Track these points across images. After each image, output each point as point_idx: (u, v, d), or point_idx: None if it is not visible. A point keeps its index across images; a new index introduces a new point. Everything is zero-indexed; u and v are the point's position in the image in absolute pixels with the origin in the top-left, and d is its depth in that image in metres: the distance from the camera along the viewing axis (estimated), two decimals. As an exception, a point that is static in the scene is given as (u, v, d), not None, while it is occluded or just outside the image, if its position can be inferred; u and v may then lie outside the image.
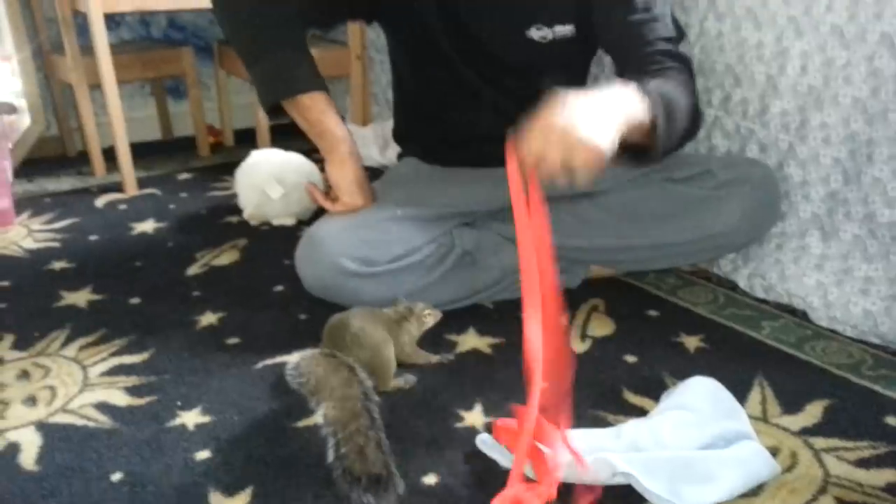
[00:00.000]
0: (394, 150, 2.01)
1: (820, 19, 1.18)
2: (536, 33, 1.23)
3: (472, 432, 0.92)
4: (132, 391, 1.02)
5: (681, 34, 1.25)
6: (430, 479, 0.85)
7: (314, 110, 1.19)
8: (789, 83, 1.22)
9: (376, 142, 2.09)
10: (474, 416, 0.97)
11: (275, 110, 1.21)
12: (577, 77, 1.38)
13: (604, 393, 1.02)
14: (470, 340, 1.16)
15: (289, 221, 1.64)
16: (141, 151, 2.06)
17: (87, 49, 1.83)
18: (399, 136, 1.51)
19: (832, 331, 1.17)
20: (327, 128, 1.19)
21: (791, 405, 0.98)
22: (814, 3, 1.18)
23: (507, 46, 1.25)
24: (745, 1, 1.27)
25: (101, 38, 1.71)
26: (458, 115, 1.35)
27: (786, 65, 1.22)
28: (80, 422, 0.96)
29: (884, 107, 1.10)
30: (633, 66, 1.12)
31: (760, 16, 1.25)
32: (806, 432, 0.93)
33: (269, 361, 1.09)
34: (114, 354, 1.12)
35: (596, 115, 0.88)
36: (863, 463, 0.87)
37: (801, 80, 1.21)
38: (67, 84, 1.97)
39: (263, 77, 1.20)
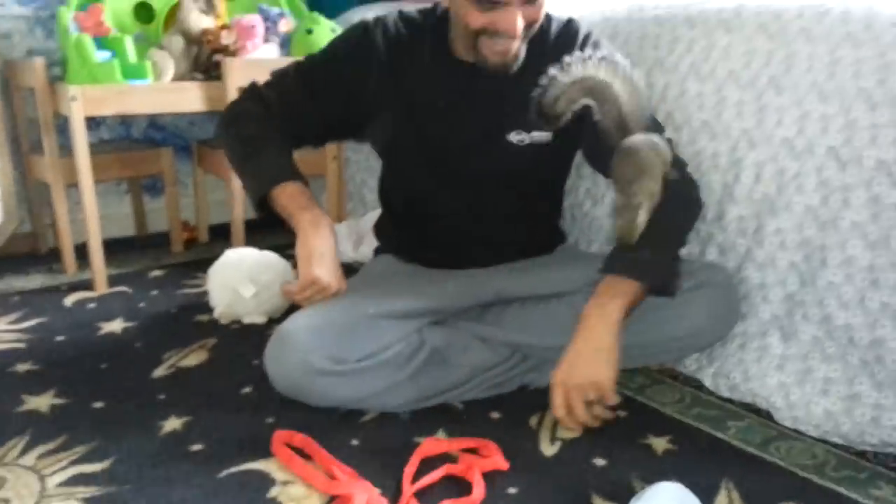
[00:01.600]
0: (368, 246, 2.05)
1: (771, 132, 1.25)
2: (515, 137, 1.28)
3: (439, 543, 0.91)
4: (91, 503, 1.00)
5: (660, 129, 1.31)
6: None
7: (285, 196, 1.25)
8: (744, 191, 1.28)
9: (350, 238, 2.12)
10: (441, 526, 0.95)
11: (262, 207, 1.29)
12: (556, 179, 1.43)
13: (573, 498, 1.01)
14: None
15: (260, 320, 1.64)
16: (114, 248, 2.07)
17: (66, 148, 1.86)
18: (379, 230, 1.54)
19: (796, 431, 1.18)
20: (296, 208, 1.24)
21: (758, 509, 0.98)
22: (765, 116, 1.26)
23: (487, 150, 1.30)
24: (701, 114, 1.35)
25: (81, 140, 1.75)
26: (436, 219, 1.39)
27: (740, 174, 1.28)
28: (33, 536, 0.93)
29: (834, 215, 1.16)
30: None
31: (715, 128, 1.32)
32: (774, 538, 0.92)
33: (234, 469, 1.07)
34: (74, 463, 1.09)
35: (597, 356, 1.11)
36: (829, 570, 0.87)
37: (756, 188, 1.26)
38: (44, 182, 2.00)
39: (249, 178, 1.31)
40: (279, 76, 1.36)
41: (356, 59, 1.30)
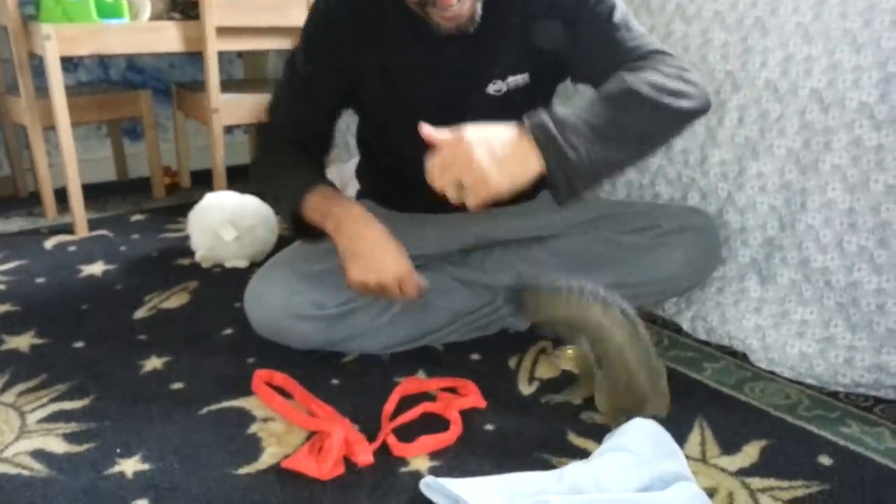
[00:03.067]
0: (352, 190, 2.03)
1: (755, 74, 1.24)
2: (492, 88, 1.26)
3: (417, 477, 0.92)
4: (71, 438, 1.00)
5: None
6: (372, 525, 0.85)
7: (313, 202, 1.15)
8: (727, 134, 1.27)
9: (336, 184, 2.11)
10: (419, 461, 0.97)
11: (301, 230, 1.19)
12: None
13: (549, 435, 1.03)
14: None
15: (241, 264, 1.64)
16: (95, 192, 2.05)
17: (43, 90, 1.83)
18: (360, 175, 1.53)
19: (771, 372, 1.20)
20: (329, 210, 1.14)
21: (729, 446, 1.00)
22: (749, 59, 1.24)
23: (466, 106, 1.28)
24: (686, 56, 1.33)
25: (56, 80, 1.71)
26: (415, 169, 1.37)
27: (724, 117, 1.28)
28: (13, 470, 0.94)
29: (815, 157, 1.16)
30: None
31: (700, 69, 1.31)
32: (743, 473, 0.94)
33: (214, 407, 1.08)
34: (54, 400, 1.09)
35: (496, 154, 0.96)
36: (796, 502, 0.89)
37: (739, 131, 1.26)
38: (21, 125, 1.96)
39: (280, 205, 1.25)
40: (274, 97, 1.34)
41: (330, 42, 1.27)
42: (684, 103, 1.02)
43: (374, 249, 1.12)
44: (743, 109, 1.25)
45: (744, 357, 1.24)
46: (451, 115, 1.30)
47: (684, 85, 1.03)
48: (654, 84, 1.00)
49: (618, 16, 1.13)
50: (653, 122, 1.02)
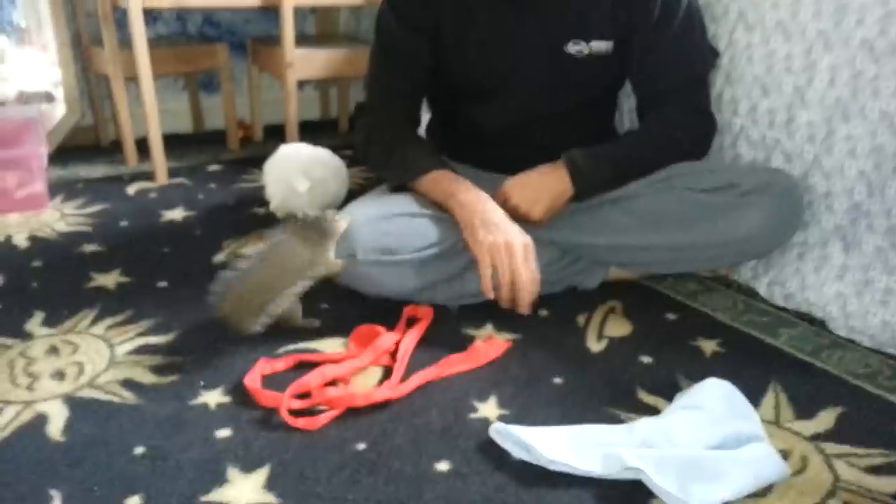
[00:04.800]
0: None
1: (850, 33, 1.18)
2: (573, 48, 1.25)
3: (486, 423, 0.94)
4: (156, 370, 1.05)
5: (714, 55, 1.30)
6: (443, 466, 0.87)
7: (437, 184, 1.24)
8: (817, 95, 1.22)
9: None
10: (489, 408, 0.98)
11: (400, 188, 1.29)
12: (615, 87, 1.40)
13: (618, 391, 1.03)
14: (488, 334, 1.18)
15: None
16: (172, 143, 2.11)
17: (125, 43, 1.88)
18: (431, 133, 1.53)
19: (850, 340, 1.16)
20: (452, 190, 1.22)
21: (804, 411, 0.98)
22: (844, 17, 1.19)
23: (545, 63, 1.28)
24: (776, 14, 1.28)
25: (139, 33, 1.76)
26: (491, 124, 1.38)
27: (814, 77, 1.23)
28: (105, 397, 0.99)
29: (910, 120, 1.11)
30: (645, 102, 1.35)
31: (790, 28, 1.26)
32: (818, 438, 0.93)
33: (291, 347, 1.12)
34: (140, 335, 1.15)
35: (543, 195, 1.25)
36: (873, 470, 0.87)
37: (829, 93, 1.21)
38: (104, 75, 2.02)
39: (392, 171, 1.31)
40: (370, 71, 1.39)
41: (409, 10, 1.30)
42: (693, 153, 1.32)
43: (503, 221, 1.17)
44: (835, 69, 1.20)
45: (821, 324, 1.21)
46: (532, 71, 1.29)
47: (697, 143, 1.32)
48: (670, 145, 1.30)
49: (682, 17, 1.25)
50: (662, 165, 1.29)
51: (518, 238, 1.14)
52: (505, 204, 1.25)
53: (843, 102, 1.19)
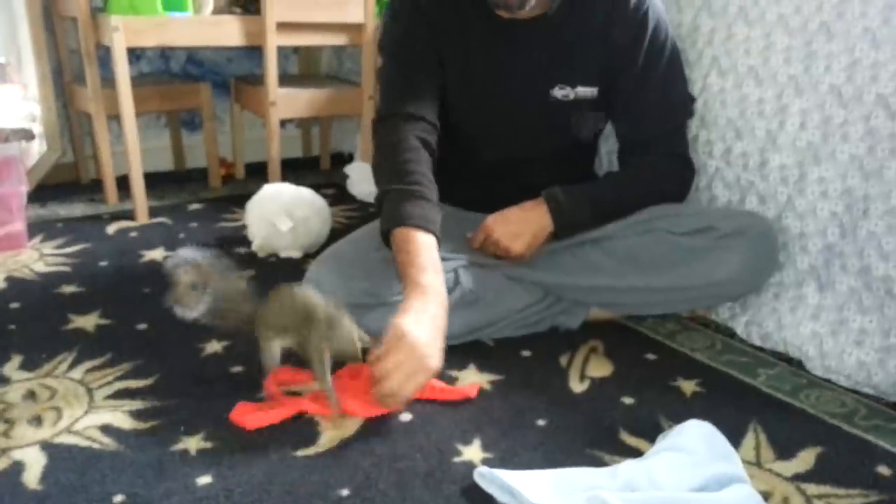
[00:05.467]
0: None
1: (819, 79, 1.22)
2: (559, 92, 1.29)
3: (471, 466, 0.94)
4: (136, 415, 1.04)
5: (691, 101, 1.38)
6: (427, 512, 0.86)
7: (405, 248, 1.11)
8: (788, 139, 1.26)
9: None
10: (473, 451, 0.98)
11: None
12: (599, 130, 1.42)
13: (601, 433, 1.03)
14: (470, 376, 1.18)
15: (296, 254, 1.67)
16: (153, 181, 2.10)
17: (108, 80, 1.89)
18: None
19: (827, 380, 1.18)
20: (409, 271, 1.09)
21: (784, 451, 0.99)
22: (813, 63, 1.23)
23: (531, 107, 1.31)
24: (748, 60, 1.32)
25: (123, 70, 1.77)
26: (474, 164, 1.40)
27: (785, 121, 1.27)
28: (84, 443, 0.98)
29: (879, 164, 1.14)
30: (627, 147, 1.39)
31: (762, 74, 1.30)
32: (798, 478, 0.94)
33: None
34: (119, 378, 1.14)
35: (524, 231, 1.28)
36: (854, 511, 0.88)
37: (801, 136, 1.24)
38: (85, 113, 2.03)
39: (382, 212, 1.20)
40: (383, 88, 1.35)
41: (423, 24, 1.30)
42: (673, 196, 1.36)
43: (434, 335, 1.03)
44: (805, 114, 1.24)
45: (799, 364, 1.23)
46: (518, 113, 1.32)
47: (677, 186, 1.37)
48: (650, 187, 1.34)
49: (665, 65, 1.30)
50: (642, 207, 1.32)
51: (433, 361, 1.01)
52: (487, 238, 1.28)
53: (815, 146, 1.23)
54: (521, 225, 1.27)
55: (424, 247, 1.11)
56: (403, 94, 1.30)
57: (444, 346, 1.04)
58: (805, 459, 0.98)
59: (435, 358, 1.01)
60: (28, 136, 1.80)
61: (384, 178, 1.23)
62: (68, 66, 2.10)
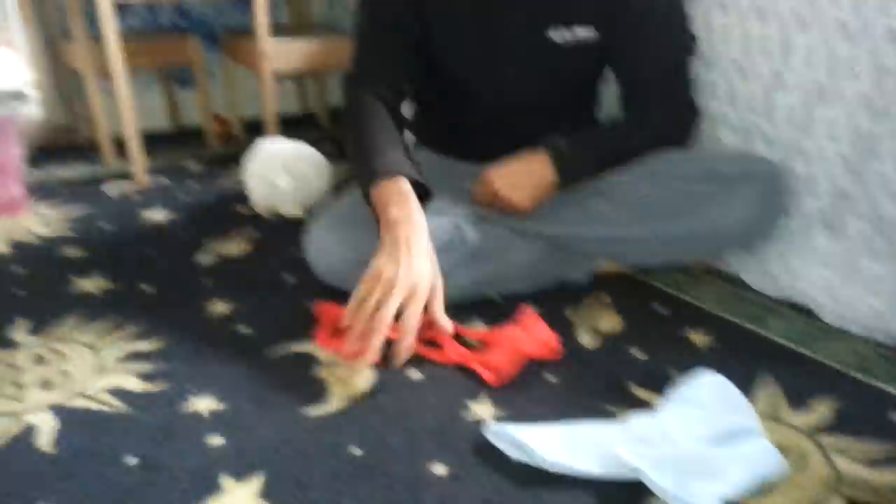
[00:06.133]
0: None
1: (824, 12, 1.18)
2: (556, 34, 1.24)
3: (481, 423, 0.93)
4: (146, 377, 1.04)
5: (693, 41, 1.30)
6: (438, 469, 0.86)
7: (380, 196, 1.10)
8: (794, 77, 1.23)
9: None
10: (483, 408, 0.98)
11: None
12: (600, 75, 1.39)
13: (610, 387, 1.03)
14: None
15: (297, 211, 1.65)
16: (150, 140, 2.07)
17: (96, 37, 1.84)
18: (415, 125, 1.52)
19: (841, 329, 1.17)
20: (385, 211, 1.08)
21: (800, 403, 0.99)
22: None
23: (527, 50, 1.27)
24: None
25: (110, 25, 1.72)
26: (474, 113, 1.37)
27: (790, 58, 1.23)
28: (95, 406, 0.97)
29: (888, 101, 1.10)
30: (628, 91, 1.35)
31: (764, 8, 1.26)
32: (815, 430, 0.93)
33: (280, 351, 1.11)
34: (127, 341, 1.13)
35: (527, 184, 1.25)
36: (873, 463, 0.88)
37: (806, 74, 1.21)
38: (76, 72, 1.98)
39: (357, 172, 1.19)
40: (356, 44, 1.33)
41: None
42: (676, 141, 1.34)
43: (421, 253, 1.05)
44: (811, 51, 1.20)
45: (810, 313, 1.22)
46: (514, 56, 1.28)
47: (680, 131, 1.34)
48: (653, 133, 1.32)
49: (665, 9, 1.26)
50: (645, 153, 1.30)
51: (425, 278, 1.03)
52: (488, 191, 1.25)
53: (821, 84, 1.19)
54: (522, 176, 1.25)
55: (395, 190, 1.10)
56: (372, 53, 1.30)
57: (430, 270, 1.05)
58: (821, 412, 0.97)
59: (420, 286, 1.02)
60: (20, 97, 1.77)
61: (348, 142, 1.24)
62: (55, 24, 2.04)
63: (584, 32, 1.26)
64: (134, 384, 1.02)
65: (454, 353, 1.08)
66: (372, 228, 1.16)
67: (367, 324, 1.00)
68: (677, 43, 1.31)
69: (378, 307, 1.00)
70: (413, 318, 1.02)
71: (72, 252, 1.44)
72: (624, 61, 1.32)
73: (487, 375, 1.04)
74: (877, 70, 1.12)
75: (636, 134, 1.31)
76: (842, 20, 1.15)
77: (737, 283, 1.34)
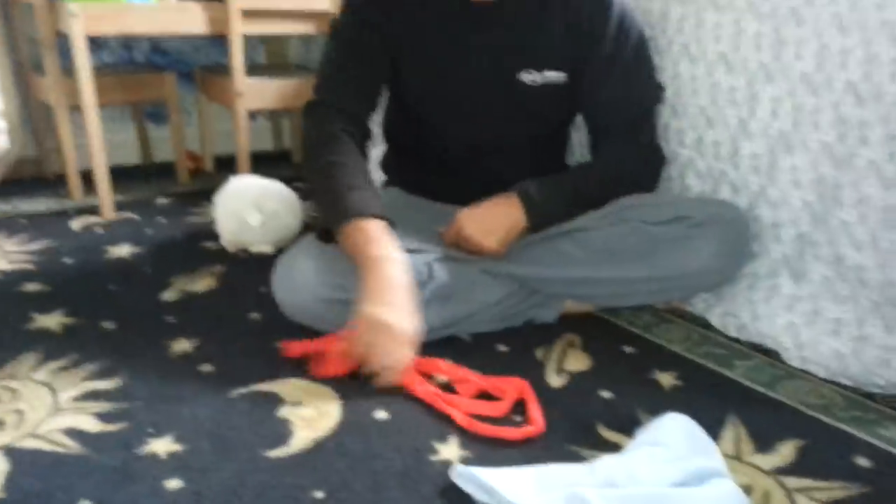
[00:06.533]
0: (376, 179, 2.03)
1: (789, 66, 1.22)
2: (526, 77, 1.27)
3: (448, 465, 0.92)
4: (103, 417, 1.01)
5: (661, 90, 1.36)
6: (405, 513, 0.84)
7: (354, 239, 1.12)
8: (760, 126, 1.26)
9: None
10: (449, 450, 0.96)
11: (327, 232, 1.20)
12: (569, 118, 1.41)
13: (579, 428, 1.02)
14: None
15: (267, 249, 1.64)
16: (119, 175, 2.05)
17: (69, 70, 1.83)
18: (385, 165, 1.53)
19: (804, 371, 1.18)
20: (363, 251, 1.10)
21: (764, 444, 0.99)
22: (783, 50, 1.22)
23: (498, 91, 1.29)
24: (718, 46, 1.31)
25: (82, 58, 1.71)
26: (444, 153, 1.38)
27: (756, 108, 1.26)
28: (48, 447, 0.94)
29: (850, 152, 1.14)
30: (596, 136, 1.38)
31: (732, 60, 1.29)
32: (779, 472, 0.94)
33: (243, 390, 1.08)
34: (85, 379, 1.10)
35: (496, 227, 1.25)
36: (835, 503, 0.88)
37: (772, 124, 1.24)
38: (46, 104, 1.96)
39: (322, 206, 1.22)
40: (321, 71, 1.32)
41: (376, 5, 1.28)
42: (643, 185, 1.36)
43: (401, 297, 1.08)
44: (776, 101, 1.23)
45: (776, 355, 1.23)
46: (485, 98, 1.30)
47: (647, 176, 1.37)
48: (621, 177, 1.33)
49: (632, 52, 1.29)
50: (614, 197, 1.31)
51: (406, 323, 1.06)
52: (459, 235, 1.25)
53: (786, 134, 1.22)
54: (493, 220, 1.25)
55: (375, 229, 1.12)
56: (338, 84, 1.29)
57: (415, 311, 1.09)
58: (784, 452, 0.98)
59: (408, 331, 1.06)
60: (-13, 129, 1.75)
61: (314, 174, 1.22)
62: (27, 55, 2.03)
63: (553, 76, 1.29)
64: (91, 424, 0.99)
65: (425, 392, 1.07)
66: (343, 264, 1.15)
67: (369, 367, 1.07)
68: (645, 90, 1.34)
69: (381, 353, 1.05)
70: (399, 358, 1.06)
71: (32, 287, 1.41)
72: (592, 106, 1.35)
73: (460, 418, 1.02)
74: (839, 121, 1.15)
75: (604, 178, 1.33)
76: (806, 74, 1.19)
77: (703, 324, 1.35)
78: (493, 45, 1.27)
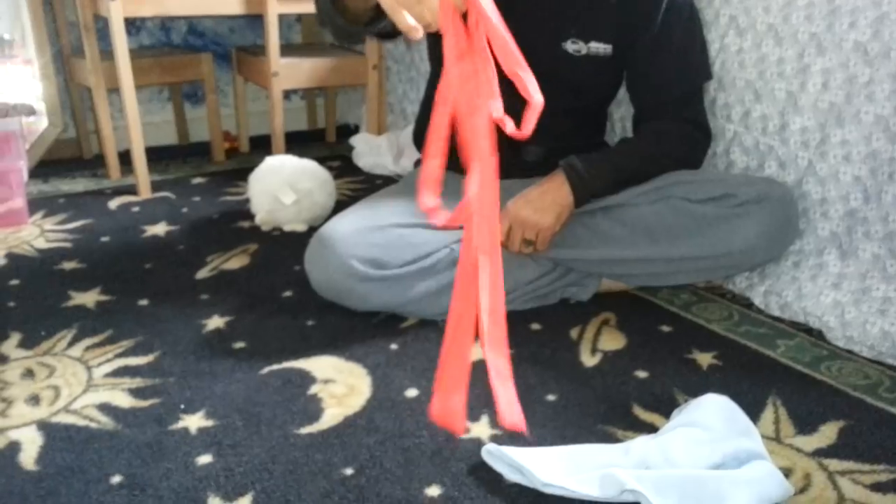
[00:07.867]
0: (408, 158, 2.01)
1: (843, 36, 1.16)
2: (571, 46, 1.24)
3: (478, 444, 0.90)
4: (136, 393, 1.02)
5: (709, 68, 1.32)
6: (434, 491, 0.83)
7: None
8: (810, 100, 1.20)
9: (390, 151, 2.09)
10: (480, 428, 0.95)
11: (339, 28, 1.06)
12: (611, 92, 1.37)
13: (613, 408, 1.00)
14: (476, 352, 1.15)
15: (300, 228, 1.64)
16: (156, 155, 2.07)
17: (108, 53, 1.85)
18: (420, 138, 1.51)
19: (849, 351, 1.14)
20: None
21: (805, 426, 0.96)
22: (836, 20, 1.17)
23: (542, 59, 1.25)
24: (767, 17, 1.26)
25: (121, 42, 1.73)
26: None
27: (807, 81, 1.21)
28: (82, 422, 0.95)
29: (906, 124, 1.09)
30: (643, 112, 1.34)
31: (782, 32, 1.24)
32: (820, 454, 0.90)
33: (275, 367, 1.08)
34: (119, 356, 1.11)
35: (550, 207, 1.22)
36: (879, 487, 0.84)
37: (823, 97, 1.19)
38: (86, 87, 1.99)
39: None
40: None
41: None
42: (688, 163, 1.30)
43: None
44: (828, 73, 1.18)
45: (819, 335, 1.19)
46: (531, 67, 1.27)
47: (692, 153, 1.32)
48: (666, 154, 1.28)
49: (683, 28, 1.25)
50: (657, 174, 1.27)
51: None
52: (514, 224, 1.22)
53: (838, 107, 1.17)
54: (543, 199, 1.22)
55: None
56: None
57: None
58: (827, 434, 0.94)
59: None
60: (29, 111, 1.77)
61: None
62: (67, 39, 2.06)
63: (599, 48, 1.25)
64: (124, 400, 1.00)
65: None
66: (374, 239, 1.15)
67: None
68: (694, 68, 1.29)
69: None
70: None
71: (69, 265, 1.43)
72: (641, 83, 1.31)
73: None
74: (895, 93, 1.09)
75: (650, 154, 1.29)
76: (861, 43, 1.13)
77: (744, 303, 1.31)
78: (539, 13, 1.24)
